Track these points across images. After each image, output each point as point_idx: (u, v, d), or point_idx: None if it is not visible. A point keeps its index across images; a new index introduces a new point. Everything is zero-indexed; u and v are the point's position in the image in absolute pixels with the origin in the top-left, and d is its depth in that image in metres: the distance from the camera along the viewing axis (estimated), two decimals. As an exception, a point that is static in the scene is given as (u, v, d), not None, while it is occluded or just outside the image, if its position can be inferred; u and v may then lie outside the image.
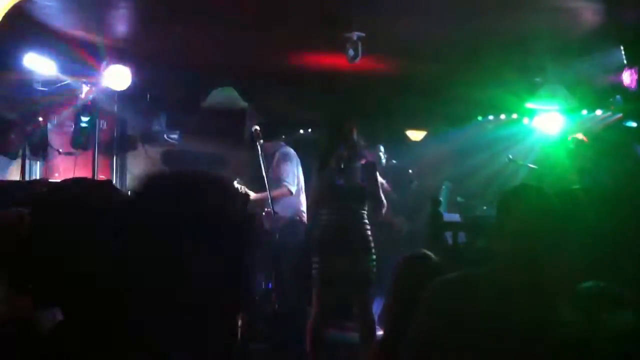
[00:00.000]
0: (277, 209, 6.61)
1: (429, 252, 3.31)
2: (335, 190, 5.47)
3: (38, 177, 8.05)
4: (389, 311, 3.29)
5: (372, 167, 5.67)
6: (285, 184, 6.82)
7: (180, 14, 5.79)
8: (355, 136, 5.56)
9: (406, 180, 8.92)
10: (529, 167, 7.84)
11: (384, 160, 8.41)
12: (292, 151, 7.12)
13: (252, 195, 6.81)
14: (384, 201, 5.59)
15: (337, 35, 5.98)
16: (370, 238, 5.49)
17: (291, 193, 6.80)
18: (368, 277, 5.39)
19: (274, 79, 8.19)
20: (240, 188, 6.83)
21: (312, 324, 5.47)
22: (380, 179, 5.72)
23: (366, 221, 5.50)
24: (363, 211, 5.50)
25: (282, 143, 7.26)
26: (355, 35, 5.97)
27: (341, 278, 5.36)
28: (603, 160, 6.50)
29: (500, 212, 2.62)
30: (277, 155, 7.03)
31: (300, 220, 6.83)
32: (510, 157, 7.91)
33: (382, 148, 8.44)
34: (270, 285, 7.09)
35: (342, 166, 5.45)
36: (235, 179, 6.88)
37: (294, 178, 6.89)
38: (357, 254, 5.37)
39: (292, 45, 6.82)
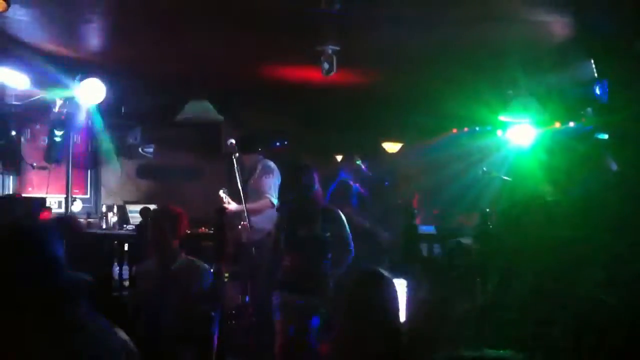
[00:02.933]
0: (258, 221, 6.60)
1: (380, 270, 3.29)
2: (294, 241, 5.27)
3: (11, 192, 7.99)
4: (339, 328, 3.24)
5: (332, 212, 5.40)
6: (268, 196, 6.84)
7: (154, 27, 5.79)
8: (309, 181, 5.32)
9: (383, 192, 8.96)
10: (503, 178, 7.91)
11: (363, 169, 8.39)
12: (273, 164, 7.16)
13: (234, 206, 6.79)
14: (351, 247, 5.33)
15: (311, 48, 6.01)
16: (328, 279, 5.21)
17: (273, 205, 6.81)
18: (316, 312, 5.18)
19: (249, 92, 8.20)
20: (225, 198, 6.83)
21: (277, 348, 5.27)
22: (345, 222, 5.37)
23: (327, 270, 5.26)
24: (325, 260, 5.27)
25: (261, 156, 7.29)
26: (329, 48, 5.99)
27: (296, 314, 5.20)
28: (575, 172, 6.56)
29: None
30: (258, 167, 7.07)
31: None
32: (485, 169, 7.97)
33: (358, 158, 8.44)
34: (247, 298, 7.07)
35: (301, 214, 5.26)
36: (222, 189, 6.88)
37: (276, 191, 6.91)
38: (312, 296, 5.15)
39: (267, 58, 6.83)
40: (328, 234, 5.26)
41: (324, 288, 5.19)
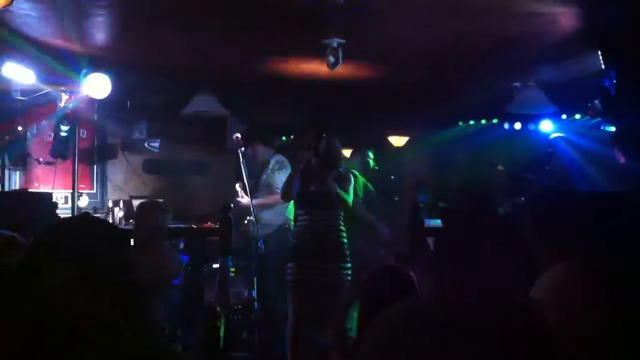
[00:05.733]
0: (268, 216, 6.71)
1: (397, 266, 3.29)
2: (309, 196, 5.54)
3: (18, 187, 7.99)
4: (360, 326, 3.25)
5: (346, 176, 5.68)
6: (278, 190, 6.82)
7: (160, 21, 5.77)
8: (329, 142, 5.62)
9: (388, 187, 8.91)
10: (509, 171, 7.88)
11: (372, 164, 8.31)
12: (285, 159, 7.16)
13: (247, 200, 6.72)
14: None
15: (317, 41, 5.98)
16: (345, 245, 5.50)
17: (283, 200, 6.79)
18: (339, 285, 5.40)
19: (255, 86, 8.18)
20: (240, 192, 6.81)
21: (290, 330, 5.46)
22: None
23: (342, 228, 5.54)
24: (339, 217, 5.53)
25: (274, 151, 7.28)
26: (335, 41, 5.97)
27: (314, 284, 5.37)
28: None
29: None
30: (272, 162, 7.07)
31: (290, 227, 6.83)
32: (500, 167, 7.91)
33: (370, 154, 8.34)
34: (254, 293, 7.05)
35: (316, 172, 5.53)
36: (238, 183, 6.87)
37: None
38: (330, 262, 5.39)
39: (273, 52, 6.81)
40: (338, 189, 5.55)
41: (340, 252, 5.46)
